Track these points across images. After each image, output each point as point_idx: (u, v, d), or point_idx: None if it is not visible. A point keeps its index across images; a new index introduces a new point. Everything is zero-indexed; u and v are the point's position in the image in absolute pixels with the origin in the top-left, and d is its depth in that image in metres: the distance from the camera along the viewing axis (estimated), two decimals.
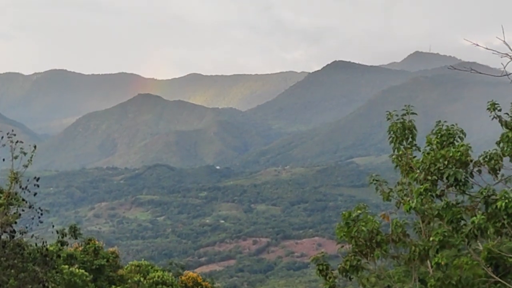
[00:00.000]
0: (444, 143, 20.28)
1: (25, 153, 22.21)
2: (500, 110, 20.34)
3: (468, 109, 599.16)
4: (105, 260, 44.09)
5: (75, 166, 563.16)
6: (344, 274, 20.68)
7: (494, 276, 18.82)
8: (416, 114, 22.51)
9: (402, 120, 22.26)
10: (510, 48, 18.47)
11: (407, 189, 21.37)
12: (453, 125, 20.74)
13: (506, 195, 17.63)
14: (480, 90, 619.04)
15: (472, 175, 19.39)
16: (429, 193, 19.14)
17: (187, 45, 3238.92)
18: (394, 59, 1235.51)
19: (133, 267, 47.29)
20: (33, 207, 23.45)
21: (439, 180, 19.23)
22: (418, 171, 19.70)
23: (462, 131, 20.60)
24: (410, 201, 19.84)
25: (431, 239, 19.35)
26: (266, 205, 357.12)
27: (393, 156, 22.07)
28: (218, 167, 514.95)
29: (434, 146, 20.41)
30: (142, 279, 44.19)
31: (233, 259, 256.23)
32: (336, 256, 21.51)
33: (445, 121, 21.05)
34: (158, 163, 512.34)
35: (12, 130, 23.23)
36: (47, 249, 25.12)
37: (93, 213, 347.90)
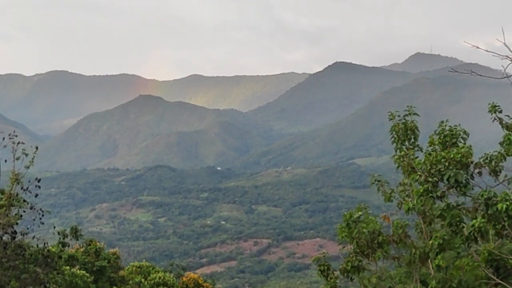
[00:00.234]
0: (447, 143, 20.29)
1: (26, 154, 22.24)
2: (500, 112, 20.35)
3: (470, 110, 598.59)
4: (106, 261, 44.09)
5: (76, 167, 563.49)
6: (345, 274, 20.69)
7: (495, 278, 18.82)
8: (418, 115, 22.52)
9: (404, 121, 22.26)
10: (510, 50, 18.46)
11: (408, 190, 21.36)
12: (456, 125, 20.75)
13: (507, 197, 17.64)
14: (481, 91, 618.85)
15: (472, 177, 19.40)
16: (429, 194, 19.16)
17: (188, 46, 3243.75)
18: (395, 60, 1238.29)
19: (134, 268, 47.27)
20: (34, 208, 23.46)
21: (440, 182, 19.25)
22: (419, 172, 19.71)
23: (465, 132, 20.60)
24: (410, 202, 19.86)
25: (430, 242, 19.37)
26: (267, 206, 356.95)
27: (395, 157, 22.05)
28: (219, 168, 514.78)
29: (437, 147, 20.42)
30: (143, 280, 44.18)
31: (234, 260, 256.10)
32: (338, 257, 21.52)
33: (447, 120, 21.07)
34: (159, 164, 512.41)
35: (14, 131, 23.24)
36: (48, 250, 25.13)
37: (94, 214, 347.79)
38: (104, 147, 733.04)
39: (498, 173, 19.76)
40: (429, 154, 19.80)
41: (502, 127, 20.24)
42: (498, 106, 20.33)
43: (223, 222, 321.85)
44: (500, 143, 19.77)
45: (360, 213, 20.43)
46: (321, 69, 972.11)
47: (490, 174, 19.72)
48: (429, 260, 20.00)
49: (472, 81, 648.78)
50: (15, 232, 23.43)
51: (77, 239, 40.27)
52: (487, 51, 18.90)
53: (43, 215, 23.64)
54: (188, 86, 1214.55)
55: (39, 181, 23.32)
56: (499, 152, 19.81)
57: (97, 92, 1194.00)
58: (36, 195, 23.40)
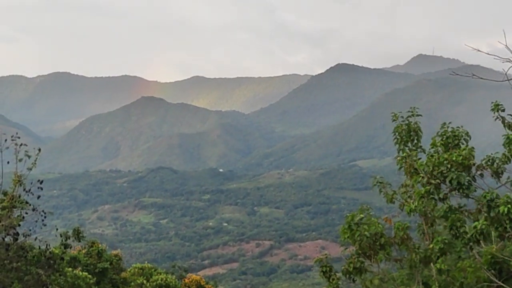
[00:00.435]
0: (450, 145, 20.28)
1: (29, 156, 22.25)
2: (503, 111, 20.34)
3: (471, 112, 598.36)
4: (108, 263, 44.10)
5: (79, 169, 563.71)
6: (347, 276, 20.67)
7: (497, 281, 18.80)
8: (421, 115, 22.50)
9: (407, 122, 22.25)
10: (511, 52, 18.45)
11: (411, 191, 21.34)
12: (458, 127, 20.73)
13: (509, 200, 17.63)
14: (483, 93, 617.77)
15: (474, 179, 19.39)
16: (431, 196, 19.16)
17: (190, 48, 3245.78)
18: (397, 62, 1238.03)
19: (136, 270, 47.30)
20: (36, 210, 23.45)
21: (442, 184, 19.24)
22: (421, 174, 19.70)
23: (467, 134, 20.59)
24: (412, 203, 19.85)
25: (431, 246, 19.37)
26: (269, 208, 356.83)
27: (398, 158, 22.02)
28: (221, 170, 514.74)
29: (439, 148, 20.40)
30: (145, 282, 44.21)
31: (236, 262, 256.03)
32: (340, 259, 21.50)
33: (449, 122, 21.06)
34: (161, 166, 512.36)
35: (16, 133, 23.26)
36: (50, 252, 25.15)
37: (96, 215, 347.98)
38: (106, 148, 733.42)
39: (500, 175, 19.75)
40: (432, 156, 19.80)
41: (504, 126, 20.21)
42: (501, 105, 20.31)
43: (225, 224, 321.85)
44: (503, 145, 19.74)
45: (362, 215, 20.41)
46: (323, 71, 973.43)
47: (492, 176, 19.71)
48: (431, 263, 19.99)
49: (474, 83, 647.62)
50: (18, 234, 23.43)
51: (79, 241, 40.18)
52: (488, 54, 18.92)
53: (45, 217, 23.63)
54: (190, 88, 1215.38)
55: (41, 182, 23.32)
56: (503, 154, 19.79)
57: (99, 93, 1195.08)
58: (39, 197, 23.41)
